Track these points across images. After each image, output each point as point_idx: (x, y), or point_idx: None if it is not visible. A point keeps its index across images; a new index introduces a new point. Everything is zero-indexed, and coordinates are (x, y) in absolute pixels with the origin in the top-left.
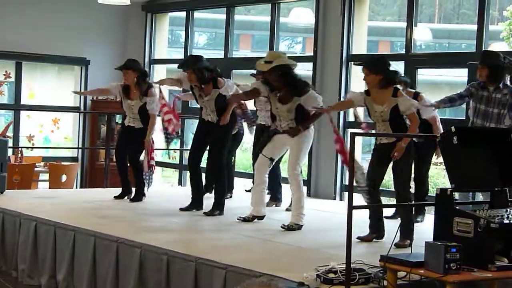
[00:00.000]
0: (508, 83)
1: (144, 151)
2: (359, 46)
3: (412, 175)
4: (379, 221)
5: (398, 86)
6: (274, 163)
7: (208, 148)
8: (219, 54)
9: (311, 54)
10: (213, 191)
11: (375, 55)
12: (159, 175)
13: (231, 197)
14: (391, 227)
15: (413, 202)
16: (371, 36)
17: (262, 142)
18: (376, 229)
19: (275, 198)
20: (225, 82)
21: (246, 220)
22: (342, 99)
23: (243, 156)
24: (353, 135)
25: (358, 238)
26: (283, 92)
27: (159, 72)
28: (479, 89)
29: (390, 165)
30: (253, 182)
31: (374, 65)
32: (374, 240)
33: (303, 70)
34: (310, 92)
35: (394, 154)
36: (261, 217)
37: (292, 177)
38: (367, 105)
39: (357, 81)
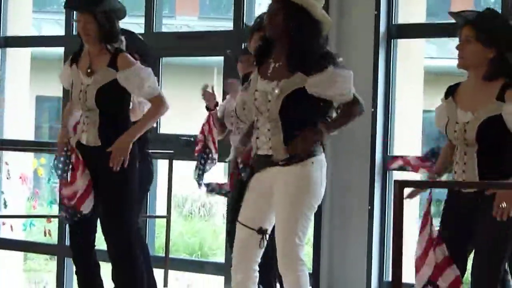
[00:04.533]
0: None
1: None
2: (412, 8)
3: None
4: None
5: None
6: (267, 237)
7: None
8: (135, 25)
9: None
10: None
11: (496, 12)
12: (20, 267)
13: None
14: None
15: None
16: None
17: (231, 201)
18: None
19: None
20: (134, 64)
21: None
22: (379, 106)
23: (184, 228)
24: (401, 186)
25: None
26: (281, 58)
27: (17, 60)
28: None
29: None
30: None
31: (489, 25)
32: None
33: None
34: (334, 71)
35: (497, 212)
36: None
37: (289, 268)
38: (447, 114)
39: (407, 73)
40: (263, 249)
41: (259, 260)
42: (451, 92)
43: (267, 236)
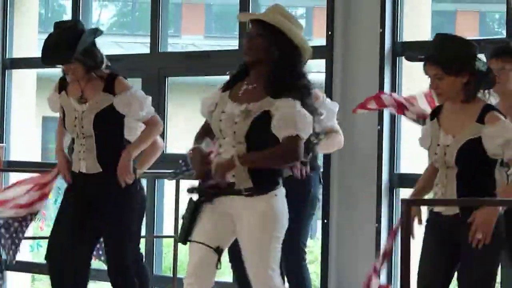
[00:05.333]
0: None
1: None
2: (417, 26)
3: None
4: None
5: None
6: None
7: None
8: (139, 45)
9: (323, 42)
10: None
11: (448, 36)
12: (27, 284)
13: None
14: None
15: None
16: (442, 4)
17: (184, 220)
18: None
19: None
20: (131, 87)
21: None
22: (385, 123)
23: None
24: (408, 204)
25: None
26: (257, 81)
27: (23, 81)
28: None
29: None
30: None
31: (453, 56)
32: None
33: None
34: (296, 109)
35: (474, 236)
36: None
37: None
38: (431, 135)
39: (412, 90)
40: (216, 271)
41: (213, 282)
42: (436, 113)
43: (221, 255)
